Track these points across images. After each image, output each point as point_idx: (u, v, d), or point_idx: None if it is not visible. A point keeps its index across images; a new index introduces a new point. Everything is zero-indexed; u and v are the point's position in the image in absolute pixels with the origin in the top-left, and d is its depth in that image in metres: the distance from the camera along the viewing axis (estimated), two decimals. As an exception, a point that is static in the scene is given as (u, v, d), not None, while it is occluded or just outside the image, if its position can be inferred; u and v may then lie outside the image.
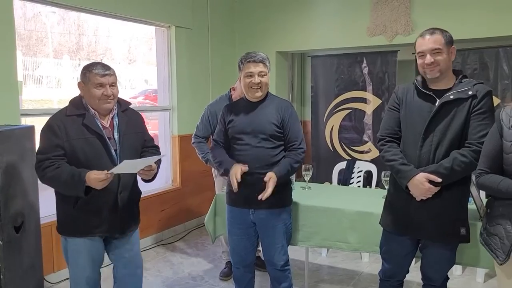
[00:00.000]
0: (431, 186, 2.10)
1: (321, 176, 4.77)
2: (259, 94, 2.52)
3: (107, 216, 2.27)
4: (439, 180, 2.08)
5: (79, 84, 2.26)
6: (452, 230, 2.17)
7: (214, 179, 3.58)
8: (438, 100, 2.13)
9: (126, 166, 2.17)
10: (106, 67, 2.25)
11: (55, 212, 3.45)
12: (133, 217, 2.43)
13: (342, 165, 4.41)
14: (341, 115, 4.95)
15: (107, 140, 2.24)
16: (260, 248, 3.09)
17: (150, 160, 2.26)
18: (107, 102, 2.23)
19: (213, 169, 3.44)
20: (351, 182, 4.37)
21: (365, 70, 4.75)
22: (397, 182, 2.24)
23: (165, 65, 4.60)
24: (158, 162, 2.39)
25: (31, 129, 2.89)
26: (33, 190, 2.89)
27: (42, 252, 3.03)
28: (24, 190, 2.75)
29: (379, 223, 2.38)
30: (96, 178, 2.11)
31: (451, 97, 2.11)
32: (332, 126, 5.00)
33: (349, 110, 4.89)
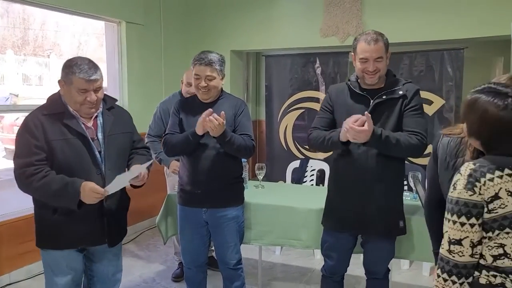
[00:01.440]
0: (362, 127, 2.02)
1: (275, 175, 4.81)
2: (206, 97, 2.46)
3: (92, 226, 2.06)
4: (365, 117, 2.01)
5: (59, 82, 2.02)
6: (393, 224, 2.26)
7: (166, 178, 3.52)
8: (372, 101, 2.21)
9: (120, 181, 2.01)
10: (93, 69, 1.98)
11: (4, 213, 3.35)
12: (121, 227, 2.23)
13: (295, 164, 4.46)
14: (294, 114, 5.01)
15: (91, 141, 2.03)
16: (212, 247, 3.08)
17: (141, 168, 2.09)
18: (89, 108, 2.02)
19: (165, 168, 3.37)
20: (304, 180, 4.43)
21: (318, 70, 4.83)
22: (338, 181, 2.31)
23: (115, 62, 4.47)
24: (149, 166, 2.20)
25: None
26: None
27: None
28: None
29: (321, 223, 2.42)
30: (93, 188, 1.91)
31: (384, 97, 2.20)
32: (286, 125, 5.05)
33: (303, 110, 4.96)
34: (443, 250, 1.29)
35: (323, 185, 4.28)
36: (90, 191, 1.91)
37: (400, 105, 2.20)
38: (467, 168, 1.29)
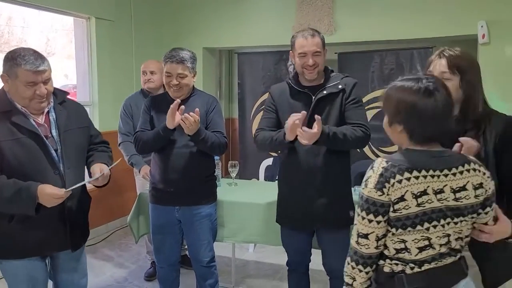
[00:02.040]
0: (313, 132, 2.03)
1: (249, 173, 4.81)
2: (178, 94, 2.43)
3: (53, 231, 1.91)
4: (319, 118, 2.02)
5: (2, 76, 1.83)
6: (342, 215, 2.28)
7: (135, 178, 3.47)
8: (313, 97, 2.24)
9: (86, 181, 1.91)
10: (39, 60, 1.81)
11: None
12: (83, 230, 2.09)
13: (268, 161, 4.48)
14: (267, 112, 5.01)
15: (44, 139, 1.85)
16: (185, 246, 3.06)
17: (105, 170, 1.97)
18: (39, 102, 1.84)
19: (134, 168, 3.32)
20: (277, 178, 4.44)
21: (291, 68, 4.85)
22: (287, 178, 2.33)
23: (84, 58, 4.37)
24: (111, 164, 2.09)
25: None
26: None
27: None
28: None
29: (276, 221, 2.44)
30: (52, 194, 1.76)
31: (325, 92, 2.24)
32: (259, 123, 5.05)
33: (275, 108, 4.96)
34: (352, 241, 1.37)
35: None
36: (50, 196, 1.77)
37: (340, 99, 2.25)
38: (379, 166, 1.32)
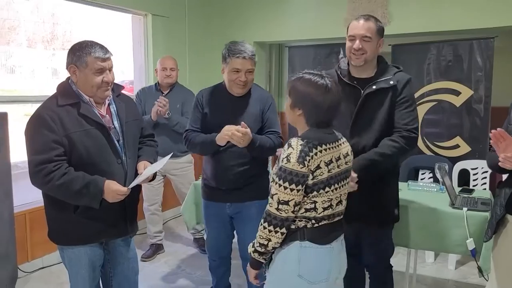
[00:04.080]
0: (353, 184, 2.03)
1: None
2: (242, 91, 2.40)
3: (113, 219, 2.01)
4: (355, 176, 2.01)
5: (70, 67, 1.92)
6: (387, 213, 2.22)
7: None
8: (362, 91, 2.14)
9: (142, 178, 1.99)
10: (105, 49, 1.93)
11: (30, 201, 3.48)
12: (136, 218, 2.18)
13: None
14: (318, 105, 4.98)
15: (109, 130, 1.96)
16: (200, 229, 3.53)
17: (163, 162, 2.06)
18: (105, 90, 1.94)
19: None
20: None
21: (342, 61, 4.78)
22: None
23: (141, 54, 4.54)
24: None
25: (3, 115, 2.83)
26: (6, 178, 2.85)
27: (15, 241, 2.98)
28: (-4, 178, 2.70)
29: None
30: (116, 190, 1.86)
31: (374, 87, 2.12)
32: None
33: (326, 101, 4.92)
34: (271, 208, 1.62)
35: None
36: (115, 192, 1.87)
37: (390, 96, 2.12)
38: (297, 144, 1.60)
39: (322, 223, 1.66)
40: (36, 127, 1.85)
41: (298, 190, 1.58)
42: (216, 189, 2.47)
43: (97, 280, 2.14)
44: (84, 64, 1.89)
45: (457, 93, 4.24)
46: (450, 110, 4.26)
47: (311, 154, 1.58)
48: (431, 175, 3.92)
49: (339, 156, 1.68)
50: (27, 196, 3.49)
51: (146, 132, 2.27)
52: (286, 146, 1.64)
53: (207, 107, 2.46)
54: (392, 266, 2.41)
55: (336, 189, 1.66)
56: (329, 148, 1.64)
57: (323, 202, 1.64)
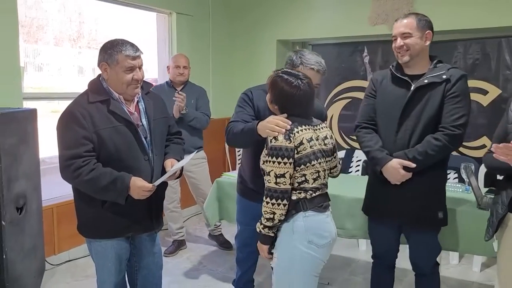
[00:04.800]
0: (405, 172, 2.13)
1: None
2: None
3: (139, 215, 2.06)
4: (413, 165, 2.10)
5: (102, 65, 1.97)
6: (430, 214, 2.19)
7: None
8: (412, 85, 2.15)
9: (167, 175, 2.02)
10: (135, 47, 1.98)
11: (57, 196, 3.57)
12: (161, 214, 2.22)
13: (341, 154, 4.43)
14: (341, 104, 4.96)
15: (137, 127, 2.00)
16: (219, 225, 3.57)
17: (187, 159, 2.10)
18: (135, 88, 1.99)
19: None
20: (349, 171, 4.40)
21: (366, 59, 4.75)
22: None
23: (165, 53, 4.60)
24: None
25: (33, 112, 2.91)
26: (35, 173, 2.93)
27: (43, 234, 3.07)
28: (26, 172, 2.79)
29: (361, 209, 2.41)
30: (142, 186, 1.90)
31: (425, 81, 2.12)
32: (332, 115, 5.02)
33: (349, 99, 4.90)
34: (271, 184, 1.82)
35: (369, 176, 4.23)
36: (140, 189, 1.90)
37: (442, 91, 2.11)
38: None
39: (317, 193, 1.90)
40: (67, 123, 1.90)
41: (290, 163, 1.81)
42: (252, 190, 2.48)
43: (123, 273, 2.19)
44: (115, 62, 1.93)
45: (484, 92, 4.15)
46: (477, 110, 4.18)
47: (294, 131, 1.83)
48: (456, 175, 3.86)
49: (318, 136, 1.93)
50: (55, 190, 3.59)
51: (174, 130, 2.30)
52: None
53: (257, 104, 2.41)
54: (439, 264, 2.39)
55: (320, 163, 1.90)
56: (308, 128, 1.90)
57: (312, 174, 1.87)
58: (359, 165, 4.38)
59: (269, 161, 1.83)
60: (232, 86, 5.12)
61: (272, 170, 1.81)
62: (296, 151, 1.82)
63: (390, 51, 4.56)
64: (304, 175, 1.85)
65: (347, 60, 4.88)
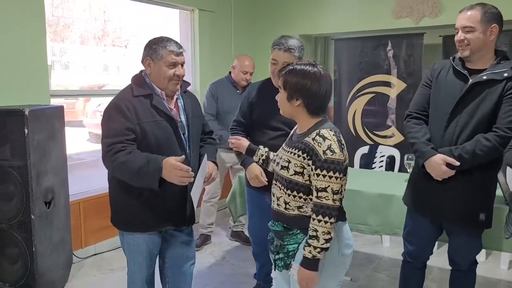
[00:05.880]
0: (447, 169, 2.05)
1: (343, 161, 4.75)
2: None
3: (175, 208, 2.07)
4: (457, 163, 2.02)
5: (146, 60, 2.03)
6: (471, 215, 2.11)
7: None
8: (470, 80, 2.04)
9: (198, 183, 2.04)
10: (179, 45, 2.05)
11: (83, 191, 3.66)
12: (194, 211, 2.19)
13: (364, 149, 4.39)
14: (364, 99, 4.90)
15: (177, 123, 2.05)
16: (243, 223, 3.51)
17: (205, 168, 2.10)
18: (176, 84, 2.04)
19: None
20: (373, 167, 4.35)
21: (390, 53, 4.68)
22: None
23: (188, 49, 4.63)
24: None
25: (60, 109, 2.98)
26: (63, 168, 3.00)
27: (71, 227, 3.15)
28: (54, 167, 2.86)
29: (402, 199, 2.36)
30: (175, 164, 1.84)
31: (484, 77, 2.01)
32: (355, 110, 4.96)
33: (373, 94, 4.84)
34: (329, 201, 1.64)
35: (393, 172, 4.18)
36: (172, 168, 1.85)
37: (502, 89, 1.98)
38: (330, 134, 1.68)
39: (342, 203, 1.78)
40: (113, 115, 1.95)
41: (345, 179, 1.70)
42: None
43: (153, 268, 2.21)
44: (159, 56, 1.99)
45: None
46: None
47: (343, 142, 1.70)
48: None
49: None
50: (81, 186, 3.68)
51: (207, 129, 2.36)
52: (318, 138, 1.67)
53: (255, 98, 2.56)
54: (477, 263, 2.33)
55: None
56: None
57: (345, 184, 1.74)
58: (382, 161, 4.33)
59: (325, 175, 1.64)
60: (254, 82, 5.11)
61: (329, 186, 1.64)
62: (345, 162, 1.70)
63: (415, 44, 4.55)
64: (342, 185, 1.72)
65: (370, 54, 4.81)
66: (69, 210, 3.13)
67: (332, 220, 1.64)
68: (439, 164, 2.06)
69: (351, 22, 4.75)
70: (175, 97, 2.12)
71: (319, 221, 1.64)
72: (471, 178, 2.08)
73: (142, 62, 2.06)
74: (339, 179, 1.64)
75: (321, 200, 1.65)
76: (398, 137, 4.62)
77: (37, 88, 3.19)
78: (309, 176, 1.68)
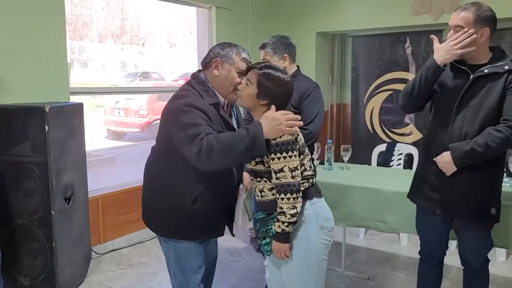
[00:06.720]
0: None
1: (360, 159, 4.71)
2: None
3: (224, 214, 2.00)
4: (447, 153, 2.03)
5: (215, 61, 1.90)
6: (481, 210, 2.09)
7: None
8: (472, 75, 2.05)
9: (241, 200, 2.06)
10: (249, 55, 1.96)
11: (102, 187, 3.71)
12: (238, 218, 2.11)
13: (382, 147, 4.35)
14: (382, 96, 4.86)
15: None
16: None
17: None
18: (235, 93, 1.91)
19: None
20: (390, 165, 4.30)
21: (408, 50, 4.62)
22: (429, 155, 2.18)
23: (205, 47, 4.64)
24: None
25: (80, 106, 3.03)
26: (82, 165, 3.05)
27: (89, 223, 3.19)
28: (74, 163, 2.91)
29: (407, 196, 2.34)
30: (275, 117, 1.74)
31: (486, 71, 2.02)
32: (373, 108, 4.92)
33: (391, 92, 4.79)
34: (287, 179, 1.77)
35: (411, 170, 4.13)
36: (272, 121, 1.73)
37: (504, 82, 2.00)
38: None
39: (314, 180, 1.94)
40: (194, 112, 1.78)
41: (298, 156, 1.83)
42: None
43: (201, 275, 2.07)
44: (231, 61, 1.90)
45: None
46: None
47: None
48: (504, 169, 3.70)
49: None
50: (99, 182, 3.73)
51: None
52: None
53: None
54: (489, 260, 2.30)
55: (307, 150, 1.96)
56: None
57: (307, 161, 1.91)
58: (400, 159, 4.28)
59: (279, 158, 1.77)
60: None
61: (285, 165, 1.78)
62: (296, 142, 1.84)
63: (434, 41, 4.46)
64: (303, 164, 1.88)
65: (388, 51, 4.76)
66: (88, 206, 3.18)
67: (295, 195, 1.78)
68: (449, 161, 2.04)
69: (369, 18, 4.70)
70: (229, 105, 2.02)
71: (282, 198, 1.79)
72: (482, 173, 2.06)
73: (207, 62, 1.93)
74: (293, 157, 1.79)
75: (281, 180, 1.79)
76: (416, 135, 4.57)
77: (57, 85, 3.24)
78: (268, 162, 1.83)
